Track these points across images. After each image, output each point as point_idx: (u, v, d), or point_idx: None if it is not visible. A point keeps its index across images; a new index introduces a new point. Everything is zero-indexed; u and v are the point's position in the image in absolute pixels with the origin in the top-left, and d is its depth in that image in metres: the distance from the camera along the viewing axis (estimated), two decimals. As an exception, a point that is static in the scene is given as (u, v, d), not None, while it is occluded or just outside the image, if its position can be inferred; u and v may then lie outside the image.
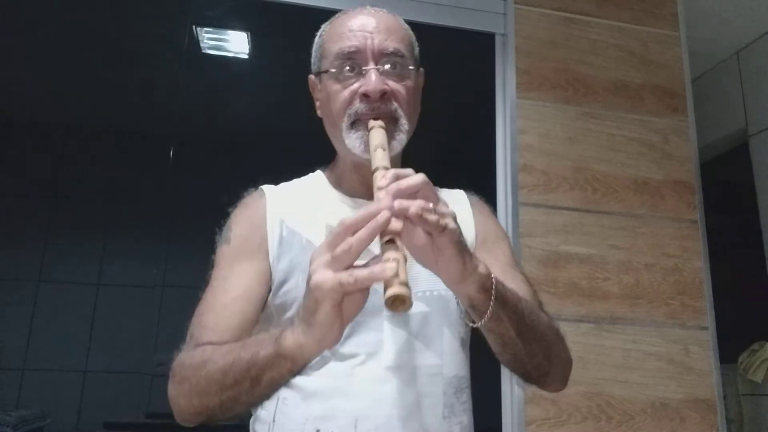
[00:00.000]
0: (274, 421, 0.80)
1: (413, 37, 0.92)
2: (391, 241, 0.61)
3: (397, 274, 0.57)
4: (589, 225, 1.77)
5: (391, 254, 0.59)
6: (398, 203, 0.62)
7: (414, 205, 0.62)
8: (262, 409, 0.83)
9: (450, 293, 0.86)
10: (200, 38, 2.49)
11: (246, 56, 2.63)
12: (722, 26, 2.32)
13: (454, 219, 0.66)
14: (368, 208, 0.62)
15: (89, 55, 2.54)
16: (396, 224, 0.61)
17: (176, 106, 2.63)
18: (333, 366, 0.80)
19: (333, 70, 0.85)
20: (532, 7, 1.92)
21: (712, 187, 2.01)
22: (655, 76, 1.95)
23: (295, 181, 0.97)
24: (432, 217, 0.62)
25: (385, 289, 0.58)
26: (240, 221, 0.90)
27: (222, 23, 2.44)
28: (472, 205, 0.97)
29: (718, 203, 2.14)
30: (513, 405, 1.62)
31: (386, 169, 0.71)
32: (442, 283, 0.85)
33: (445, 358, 0.84)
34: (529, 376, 0.82)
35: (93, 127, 2.96)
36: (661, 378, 1.69)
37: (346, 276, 0.60)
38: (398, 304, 0.57)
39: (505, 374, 1.66)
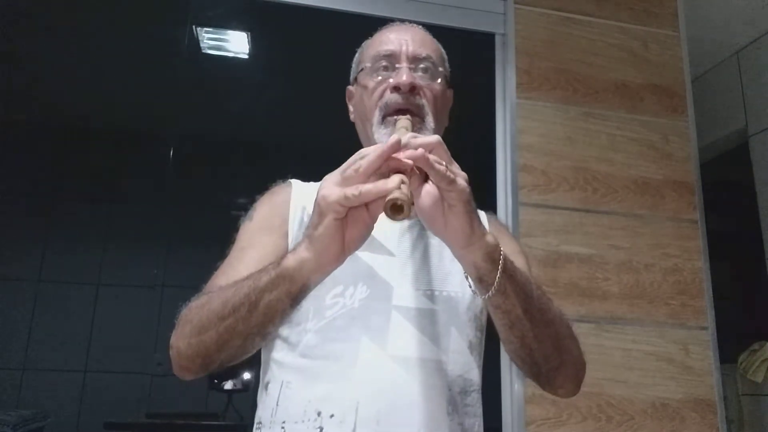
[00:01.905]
0: (277, 404, 0.82)
1: (445, 55, 1.00)
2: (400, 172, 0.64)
3: (399, 187, 0.60)
4: (589, 225, 1.77)
5: (396, 176, 0.63)
6: (409, 151, 0.65)
7: (423, 152, 0.64)
8: (266, 395, 0.85)
9: (460, 295, 0.88)
10: (200, 38, 2.49)
11: (246, 56, 2.63)
12: (722, 26, 2.32)
13: (466, 181, 0.67)
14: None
15: (89, 56, 2.55)
16: (404, 161, 0.64)
17: (176, 106, 2.64)
18: (336, 348, 0.82)
19: (369, 65, 0.94)
20: (532, 7, 1.92)
21: (712, 187, 2.01)
22: (655, 76, 1.95)
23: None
24: (440, 167, 0.64)
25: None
26: (265, 203, 0.95)
27: (222, 23, 2.45)
28: (490, 223, 0.99)
29: (718, 203, 2.14)
30: (513, 405, 1.62)
31: None
32: (452, 285, 0.87)
33: (450, 356, 0.85)
34: (538, 369, 0.80)
35: (93, 127, 2.97)
36: (661, 378, 1.69)
37: (351, 189, 0.62)
38: (397, 211, 0.59)
39: (506, 373, 1.66)
